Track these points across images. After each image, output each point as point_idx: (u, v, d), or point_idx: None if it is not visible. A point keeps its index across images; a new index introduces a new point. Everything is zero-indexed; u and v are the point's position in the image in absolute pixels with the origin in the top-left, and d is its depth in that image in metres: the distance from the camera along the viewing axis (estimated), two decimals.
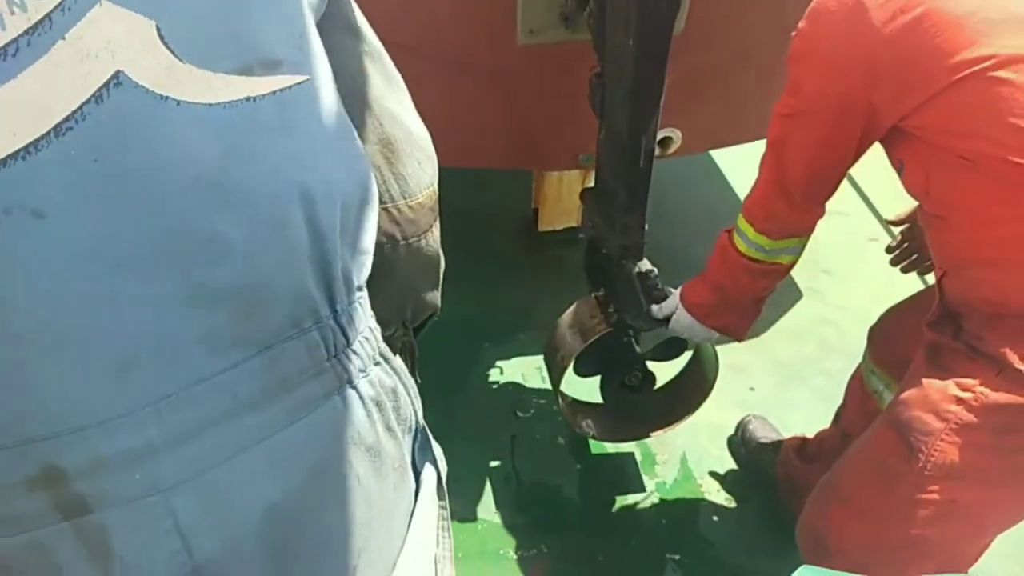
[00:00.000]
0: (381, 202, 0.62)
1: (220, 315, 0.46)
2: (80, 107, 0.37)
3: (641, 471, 1.86)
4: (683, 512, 1.77)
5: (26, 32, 0.34)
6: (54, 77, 0.36)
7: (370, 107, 0.61)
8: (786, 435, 1.82)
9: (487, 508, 1.75)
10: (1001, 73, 0.82)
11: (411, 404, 0.63)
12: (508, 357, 2.14)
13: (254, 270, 0.46)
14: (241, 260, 0.45)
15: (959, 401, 0.98)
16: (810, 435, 1.73)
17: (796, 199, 1.15)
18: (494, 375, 2.11)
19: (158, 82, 0.40)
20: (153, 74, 0.39)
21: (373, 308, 0.60)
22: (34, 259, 0.37)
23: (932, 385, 1.00)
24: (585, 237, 1.69)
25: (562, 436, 1.98)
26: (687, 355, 1.82)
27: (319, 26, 0.49)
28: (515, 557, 1.66)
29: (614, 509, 1.77)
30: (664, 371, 1.85)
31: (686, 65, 1.40)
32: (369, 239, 0.55)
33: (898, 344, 1.27)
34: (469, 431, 1.93)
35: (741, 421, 1.94)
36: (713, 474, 1.88)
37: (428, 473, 0.67)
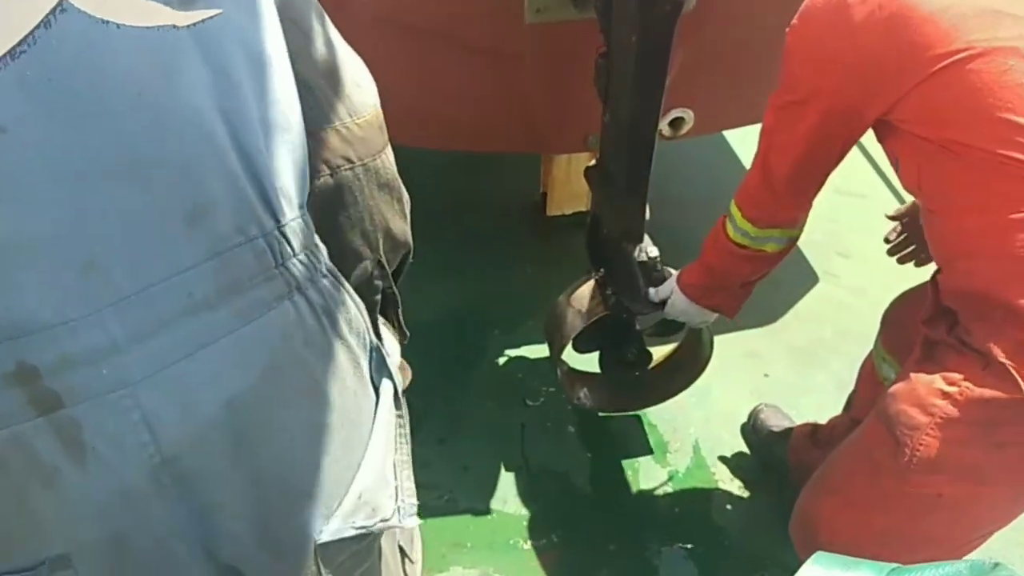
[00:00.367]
0: (329, 123, 0.65)
1: (171, 222, 0.52)
2: (31, 32, 0.43)
3: (654, 459, 1.88)
4: (696, 501, 1.78)
5: None
6: (6, 6, 0.43)
7: (308, 35, 0.64)
8: (800, 422, 1.85)
9: (497, 498, 1.77)
10: (974, 65, 0.86)
11: (363, 321, 0.67)
12: (517, 344, 2.14)
13: (193, 180, 0.52)
14: (180, 171, 0.51)
15: (944, 395, 0.99)
16: (823, 422, 1.75)
17: (779, 191, 1.19)
18: (503, 363, 2.13)
19: (99, 7, 0.47)
20: (94, 1, 0.46)
21: (344, 239, 0.68)
22: None
23: (919, 379, 1.02)
24: (589, 218, 1.75)
25: (572, 424, 2.01)
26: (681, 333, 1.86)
27: None
28: (526, 547, 1.69)
29: (626, 498, 1.79)
30: (661, 345, 1.92)
31: (698, 43, 1.43)
32: (301, 159, 0.60)
33: (908, 331, 1.28)
34: (478, 420, 1.96)
35: (754, 410, 1.96)
36: (726, 462, 1.90)
37: (386, 387, 0.72)
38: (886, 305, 1.48)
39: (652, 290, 1.58)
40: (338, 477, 0.65)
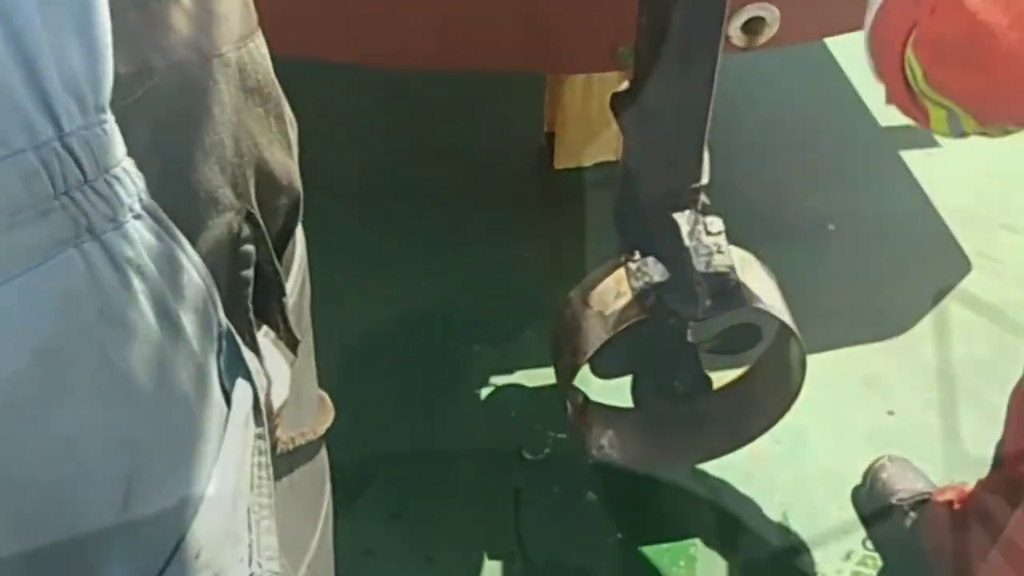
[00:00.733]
0: None
1: None
2: None
3: (718, 545, 1.88)
4: None
5: None
6: None
7: None
8: (942, 484, 1.87)
9: None
10: None
11: (205, 291, 0.64)
12: (509, 366, 2.18)
13: None
14: None
15: None
16: (971, 484, 1.77)
17: None
18: (488, 395, 2.15)
19: None
20: None
21: (190, 176, 0.66)
22: None
23: None
24: (618, 173, 1.80)
25: (592, 489, 2.01)
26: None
27: None
28: None
29: None
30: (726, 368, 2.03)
31: None
32: (103, 37, 0.55)
33: None
34: (452, 481, 1.99)
35: (872, 465, 1.97)
36: (830, 546, 1.91)
37: (241, 393, 0.70)
38: None
39: (717, 254, 1.64)
40: (155, 525, 0.62)
